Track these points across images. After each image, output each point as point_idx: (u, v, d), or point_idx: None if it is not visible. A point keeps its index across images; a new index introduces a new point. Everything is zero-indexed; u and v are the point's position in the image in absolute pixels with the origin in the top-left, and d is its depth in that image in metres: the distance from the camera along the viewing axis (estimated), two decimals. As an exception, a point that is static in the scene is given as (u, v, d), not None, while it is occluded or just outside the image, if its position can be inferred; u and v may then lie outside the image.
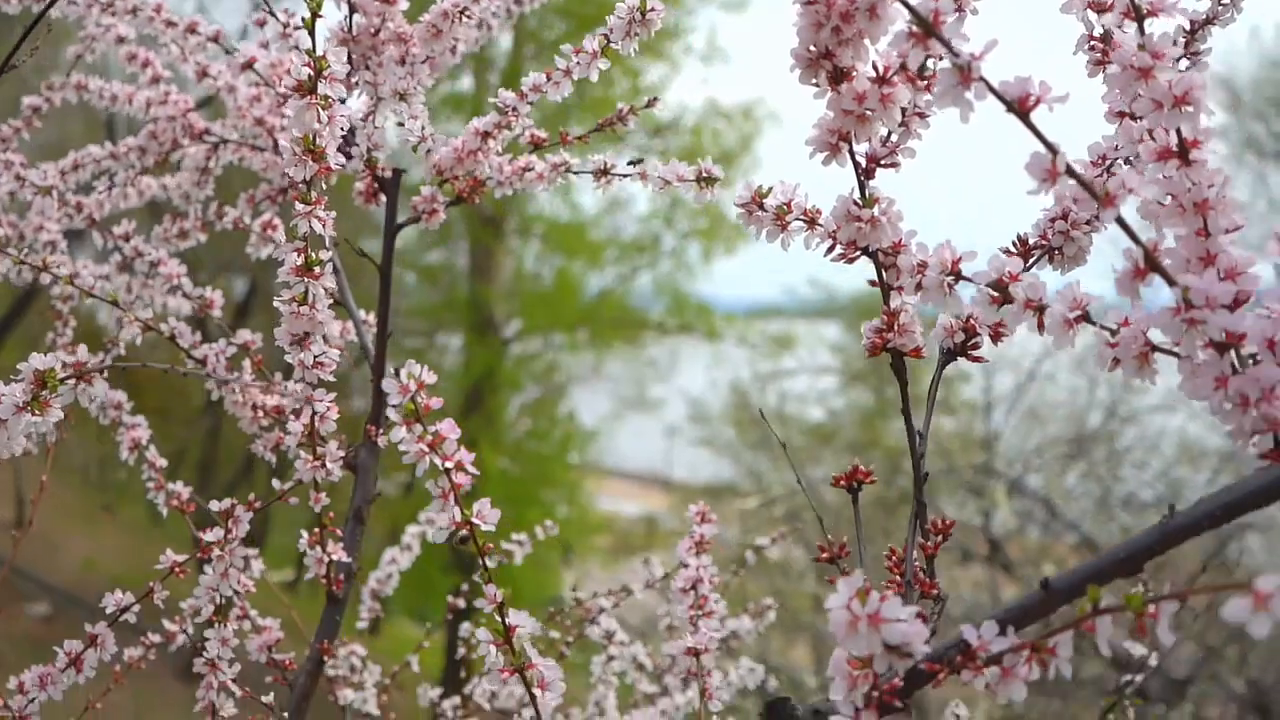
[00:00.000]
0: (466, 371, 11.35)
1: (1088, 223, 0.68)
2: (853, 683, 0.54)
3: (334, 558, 0.99)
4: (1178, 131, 0.54)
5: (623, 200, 12.92)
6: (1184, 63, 0.73)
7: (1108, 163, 0.70)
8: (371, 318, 1.12)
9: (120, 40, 1.21)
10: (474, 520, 0.64)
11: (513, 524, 1.49)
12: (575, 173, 0.99)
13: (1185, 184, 0.54)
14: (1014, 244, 0.70)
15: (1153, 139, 0.56)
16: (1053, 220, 0.69)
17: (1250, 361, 0.53)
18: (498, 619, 0.65)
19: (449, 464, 0.63)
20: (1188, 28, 0.73)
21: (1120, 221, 0.52)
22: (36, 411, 0.68)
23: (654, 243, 12.55)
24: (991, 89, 0.51)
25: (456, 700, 1.39)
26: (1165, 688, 5.85)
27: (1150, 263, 0.52)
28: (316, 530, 0.97)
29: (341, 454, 0.92)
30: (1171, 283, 0.52)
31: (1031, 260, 0.70)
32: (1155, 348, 0.55)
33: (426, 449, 0.63)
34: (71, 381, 0.68)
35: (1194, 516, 0.50)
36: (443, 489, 0.63)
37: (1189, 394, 0.53)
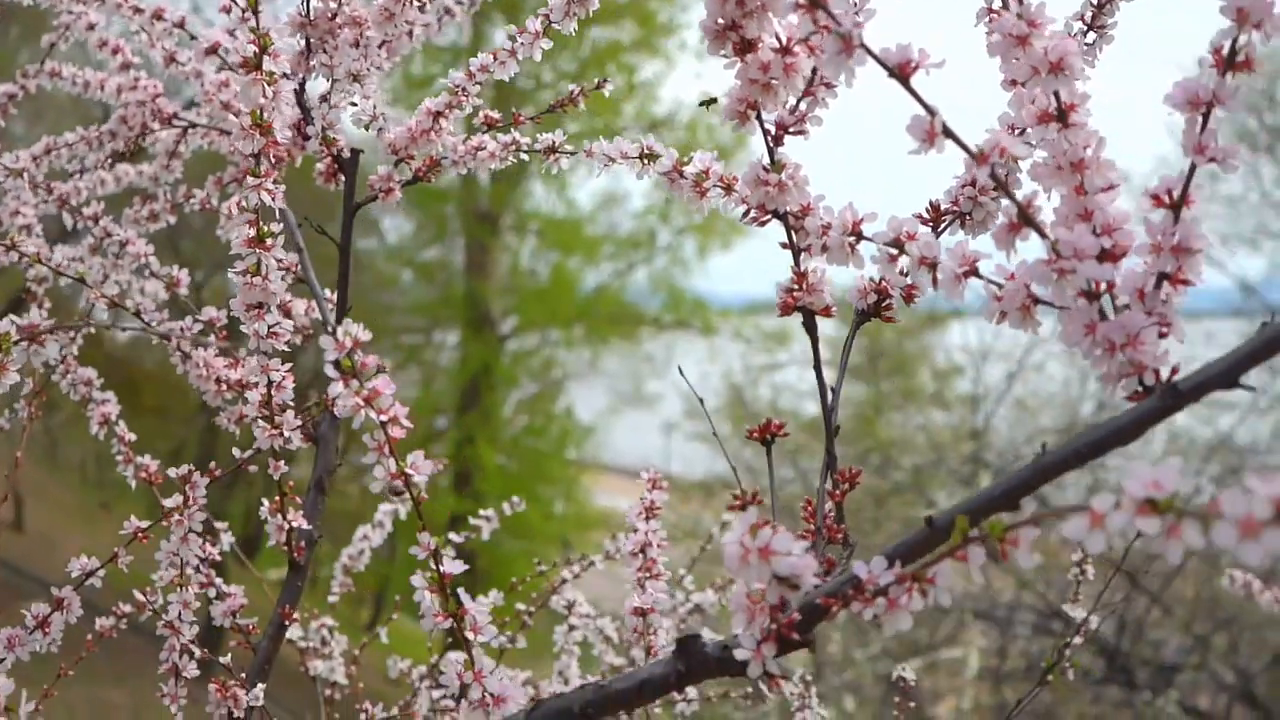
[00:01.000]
0: (463, 368, 11.39)
1: (995, 189, 0.71)
2: (751, 615, 0.58)
3: (294, 525, 1.02)
4: (1056, 95, 0.57)
5: (618, 196, 12.95)
6: (1090, 35, 0.77)
7: (1016, 131, 0.73)
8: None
9: (91, 27, 1.25)
10: (408, 471, 0.67)
11: (511, 521, 1.52)
12: (526, 151, 1.03)
13: (1064, 145, 0.58)
14: (926, 209, 0.73)
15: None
16: (963, 186, 0.73)
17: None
18: (433, 566, 0.69)
19: (384, 418, 0.66)
20: (1095, 2, 0.76)
21: (995, 179, 0.55)
22: (-7, 373, 0.71)
23: (650, 238, 12.59)
24: (873, 55, 0.54)
25: (423, 669, 1.43)
26: (1152, 676, 5.90)
27: (1024, 217, 0.55)
28: (277, 499, 1.01)
29: (299, 423, 0.95)
30: (1044, 236, 0.55)
31: (943, 225, 0.73)
32: (1037, 299, 0.58)
33: (363, 403, 0.66)
34: (24, 343, 0.72)
35: (1064, 453, 0.54)
36: (379, 442, 0.67)
37: (1065, 341, 0.57)
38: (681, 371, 1.09)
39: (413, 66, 9.28)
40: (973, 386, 7.34)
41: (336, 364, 0.66)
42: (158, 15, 1.15)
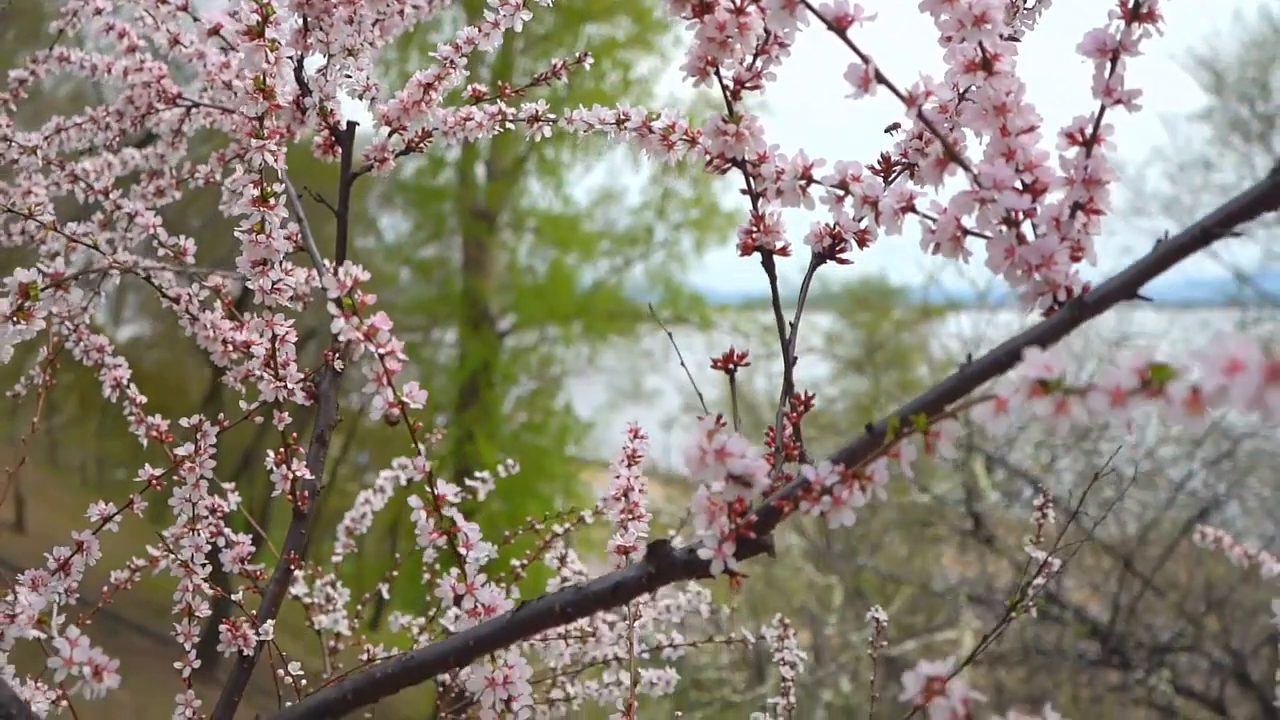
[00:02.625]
0: (462, 365, 11.45)
1: (926, 131, 0.77)
2: (712, 516, 0.64)
3: (298, 475, 1.09)
4: (980, 46, 0.64)
5: (615, 193, 13.01)
6: (1031, 1, 0.83)
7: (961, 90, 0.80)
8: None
9: (98, 12, 1.31)
10: (405, 399, 0.74)
11: (510, 518, 1.57)
12: (511, 120, 1.09)
13: (989, 91, 0.64)
14: (878, 160, 0.80)
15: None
16: (912, 139, 0.79)
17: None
18: (427, 489, 0.75)
19: (382, 350, 0.73)
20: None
21: (922, 117, 0.62)
22: (20, 319, 0.78)
23: (647, 234, 12.65)
24: (812, 9, 0.61)
25: (422, 620, 1.50)
26: (1146, 657, 5.97)
27: (949, 153, 0.62)
28: (281, 450, 1.07)
29: (301, 375, 1.02)
30: (967, 169, 0.62)
31: (894, 175, 0.79)
32: (965, 230, 0.65)
33: (362, 337, 0.73)
34: (51, 290, 0.78)
35: (986, 362, 0.60)
36: (377, 373, 0.73)
37: (990, 266, 0.63)
38: (683, 363, 1.10)
39: (408, 65, 9.33)
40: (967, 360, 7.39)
41: (338, 301, 0.73)
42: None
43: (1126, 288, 0.58)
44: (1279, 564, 1.56)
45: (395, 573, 1.62)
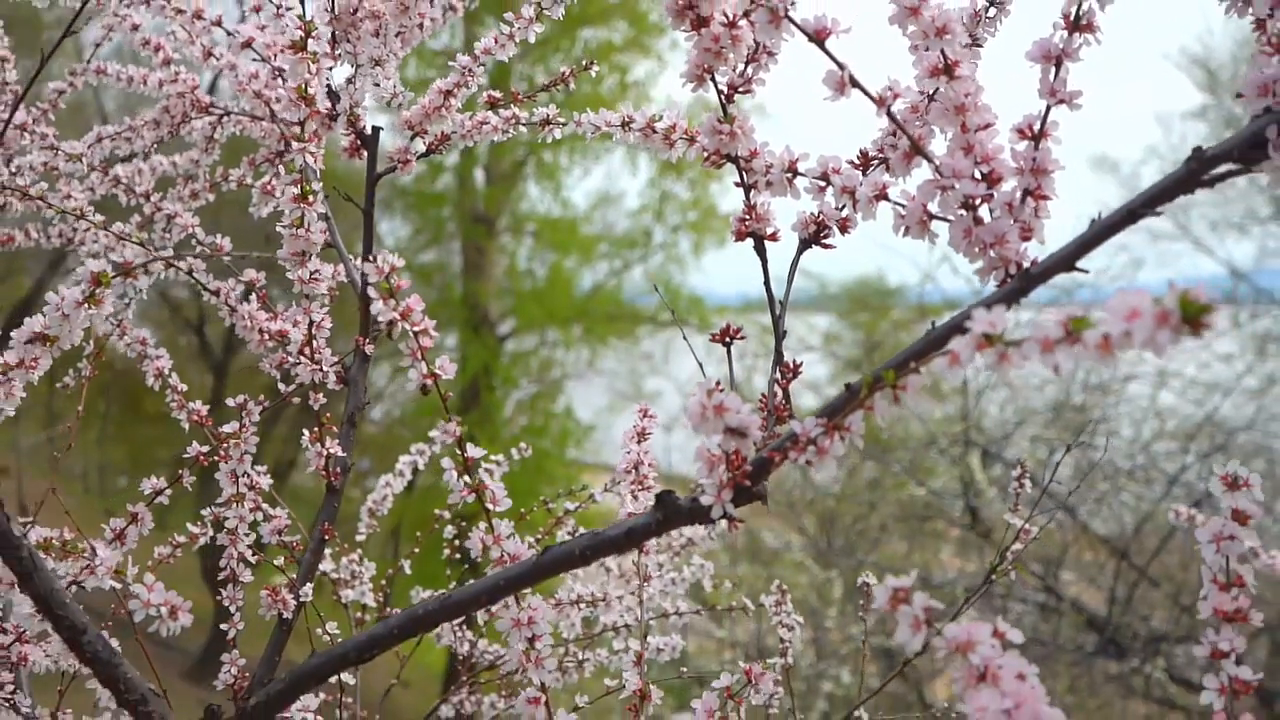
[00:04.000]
0: (463, 369, 11.53)
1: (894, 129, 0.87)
2: (711, 466, 0.74)
3: (331, 452, 1.18)
4: (943, 54, 0.73)
5: (613, 196, 13.10)
6: (991, 10, 0.93)
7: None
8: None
9: (135, 28, 1.40)
10: (437, 371, 0.83)
11: (512, 518, 1.66)
12: (524, 124, 1.19)
13: (950, 93, 0.74)
14: (857, 156, 0.89)
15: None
16: (885, 136, 0.88)
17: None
18: (458, 451, 0.85)
19: (417, 329, 0.82)
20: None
21: (890, 116, 0.71)
22: (92, 305, 0.87)
23: (645, 237, 12.75)
24: (795, 24, 0.70)
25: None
26: (1142, 646, 6.06)
27: (915, 148, 0.71)
28: (316, 429, 1.17)
29: (335, 359, 1.11)
30: (931, 161, 0.71)
31: (871, 168, 0.89)
32: (931, 215, 0.74)
33: (399, 317, 0.82)
34: (120, 277, 0.87)
35: (946, 327, 0.69)
36: (412, 349, 0.83)
37: (952, 245, 0.72)
38: (695, 355, 1.18)
39: (407, 71, 9.43)
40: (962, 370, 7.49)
41: (377, 285, 0.82)
42: (198, 15, 1.31)
43: (1066, 261, 0.67)
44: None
45: (417, 550, 1.72)
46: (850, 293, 11.58)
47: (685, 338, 1.19)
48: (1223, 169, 0.65)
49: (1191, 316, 0.47)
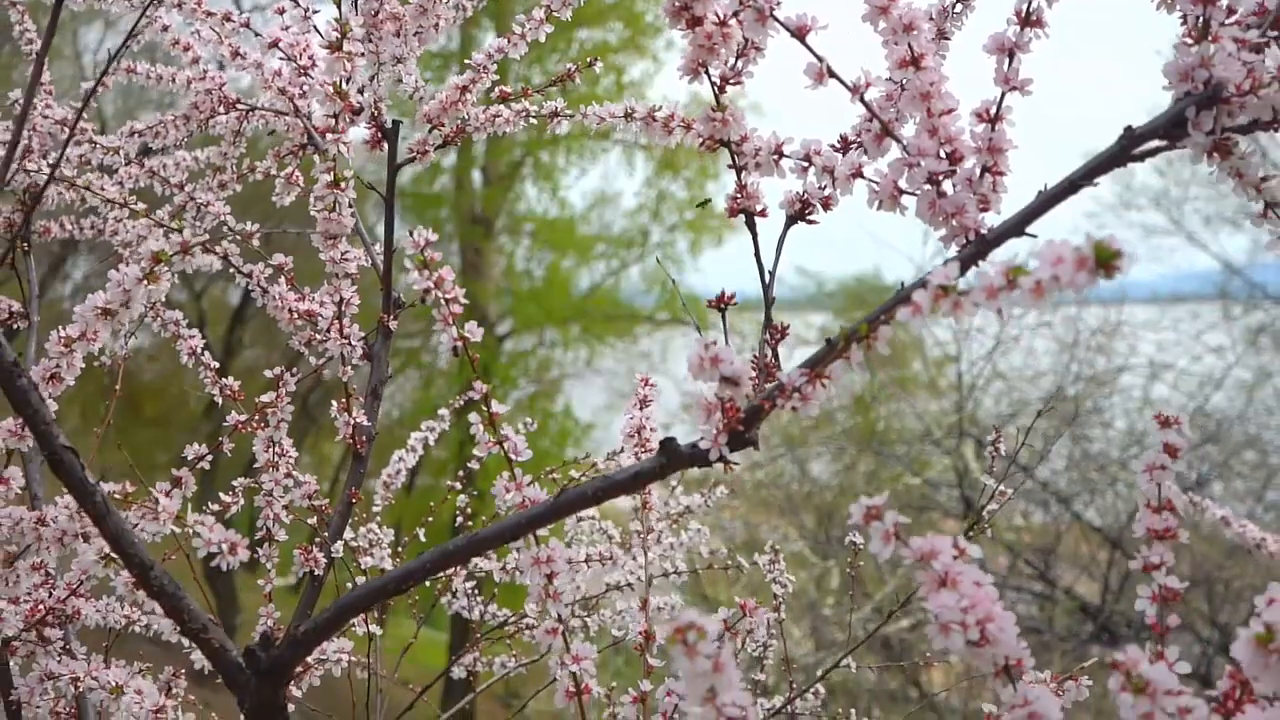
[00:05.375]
0: (461, 370, 11.62)
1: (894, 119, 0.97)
2: (709, 413, 0.83)
3: (358, 422, 1.28)
4: (910, 47, 0.83)
5: (610, 196, 13.19)
6: (959, 6, 1.02)
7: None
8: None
9: (165, 29, 1.50)
10: (465, 334, 0.93)
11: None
12: (533, 117, 1.28)
13: (917, 82, 0.83)
14: (838, 139, 0.99)
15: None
16: (862, 121, 0.98)
17: (961, 195, 0.82)
18: (484, 408, 0.94)
19: (448, 296, 0.92)
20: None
21: (864, 103, 0.81)
22: (151, 282, 0.97)
23: (642, 236, 12.85)
24: (779, 22, 0.80)
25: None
26: (1135, 633, 6.16)
27: (885, 131, 0.81)
28: (344, 400, 1.27)
29: (362, 335, 1.21)
30: (899, 142, 0.81)
31: (850, 150, 0.98)
32: (901, 190, 0.84)
33: (433, 286, 0.92)
34: (180, 255, 0.97)
35: (913, 286, 0.79)
36: (443, 315, 0.93)
37: (919, 215, 0.82)
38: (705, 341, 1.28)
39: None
40: (956, 355, 7.61)
41: (413, 258, 0.92)
42: (226, 17, 1.41)
43: (1016, 228, 0.77)
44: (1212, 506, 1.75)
45: (430, 519, 1.81)
46: (847, 290, 11.69)
47: (698, 327, 1.29)
48: (1151, 145, 0.75)
49: (1104, 261, 0.57)
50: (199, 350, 1.41)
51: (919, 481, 6.39)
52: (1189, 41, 0.74)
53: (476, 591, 1.75)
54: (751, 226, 0.94)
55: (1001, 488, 1.44)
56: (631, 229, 13.10)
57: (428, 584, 1.70)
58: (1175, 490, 0.80)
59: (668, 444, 0.87)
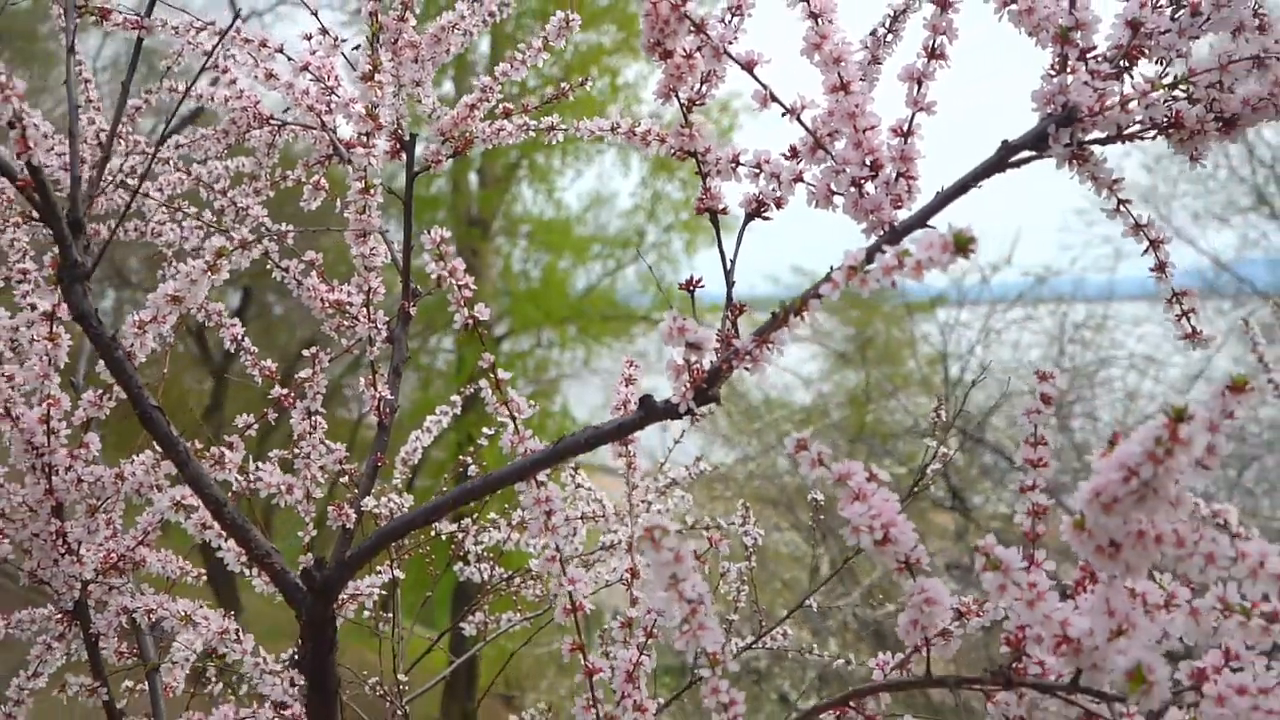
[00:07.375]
0: (460, 371, 11.82)
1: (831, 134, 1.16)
2: (678, 373, 1.03)
3: (382, 395, 1.47)
4: (839, 75, 1.03)
5: (606, 197, 13.37)
6: (889, 36, 1.22)
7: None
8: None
9: (206, 54, 1.69)
10: (476, 314, 1.12)
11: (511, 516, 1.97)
12: (534, 130, 1.48)
13: (845, 104, 1.03)
14: (788, 149, 1.18)
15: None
16: (804, 136, 1.17)
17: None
18: (492, 375, 1.14)
19: (461, 282, 1.11)
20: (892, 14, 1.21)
21: (800, 122, 1.01)
22: (213, 272, 1.16)
23: (638, 237, 13.04)
24: (731, 57, 0.99)
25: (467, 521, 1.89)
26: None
27: (816, 143, 1.01)
28: (370, 375, 1.46)
29: (387, 319, 1.41)
30: (828, 153, 1.01)
31: (796, 159, 1.18)
32: (833, 191, 1.04)
33: (448, 274, 1.11)
34: (239, 249, 1.16)
35: (841, 267, 0.98)
36: (456, 297, 1.12)
37: (846, 213, 1.02)
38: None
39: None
40: (942, 343, 7.81)
41: (430, 250, 1.11)
42: (263, 44, 1.60)
43: (918, 221, 0.96)
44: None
45: (444, 489, 2.00)
46: (843, 290, 11.86)
47: (672, 306, 1.49)
48: (1024, 155, 0.94)
49: (961, 245, 0.77)
50: (240, 337, 1.60)
51: (904, 471, 6.59)
52: (1052, 73, 0.94)
53: (490, 556, 1.94)
54: (715, 223, 1.14)
55: (944, 450, 1.63)
56: (627, 229, 13.29)
57: (443, 539, 1.90)
58: (1051, 429, 0.99)
59: (646, 400, 1.07)
